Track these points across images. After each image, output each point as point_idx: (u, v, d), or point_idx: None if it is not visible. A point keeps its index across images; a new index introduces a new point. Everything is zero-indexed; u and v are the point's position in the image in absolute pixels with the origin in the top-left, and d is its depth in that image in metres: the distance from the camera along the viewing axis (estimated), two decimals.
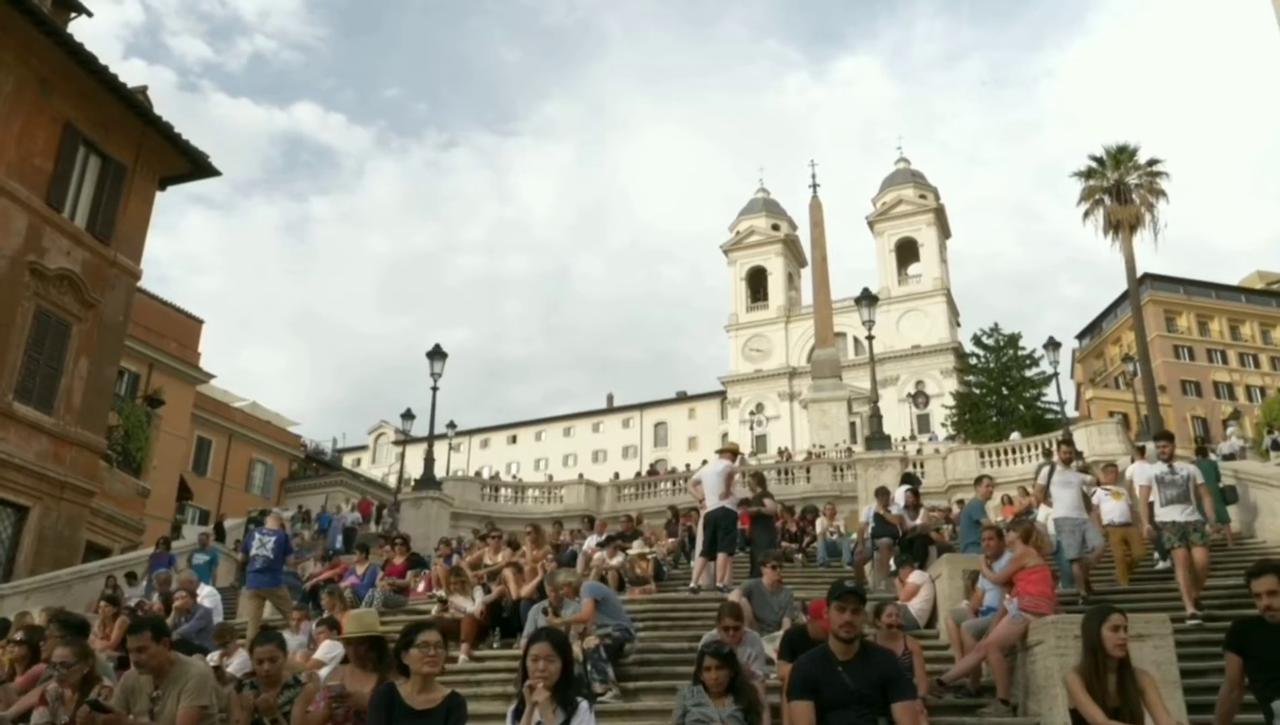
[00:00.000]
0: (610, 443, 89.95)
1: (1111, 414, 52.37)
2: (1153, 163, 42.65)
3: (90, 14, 26.23)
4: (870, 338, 25.55)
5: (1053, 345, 30.01)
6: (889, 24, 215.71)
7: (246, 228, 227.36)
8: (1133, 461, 13.18)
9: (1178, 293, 74.08)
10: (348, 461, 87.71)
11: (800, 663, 4.75)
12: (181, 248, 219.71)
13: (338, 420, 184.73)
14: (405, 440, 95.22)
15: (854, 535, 14.89)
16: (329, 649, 8.35)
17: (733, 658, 5.48)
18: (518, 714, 4.40)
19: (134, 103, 22.84)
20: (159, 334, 38.34)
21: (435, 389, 24.88)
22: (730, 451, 12.27)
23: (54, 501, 20.72)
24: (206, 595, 11.23)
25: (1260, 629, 4.83)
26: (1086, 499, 10.58)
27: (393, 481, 64.74)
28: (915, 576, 9.68)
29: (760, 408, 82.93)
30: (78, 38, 21.29)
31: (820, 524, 16.31)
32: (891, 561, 11.78)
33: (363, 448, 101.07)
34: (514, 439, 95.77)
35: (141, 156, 23.62)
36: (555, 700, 4.23)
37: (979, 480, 12.72)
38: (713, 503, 11.56)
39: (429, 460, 26.72)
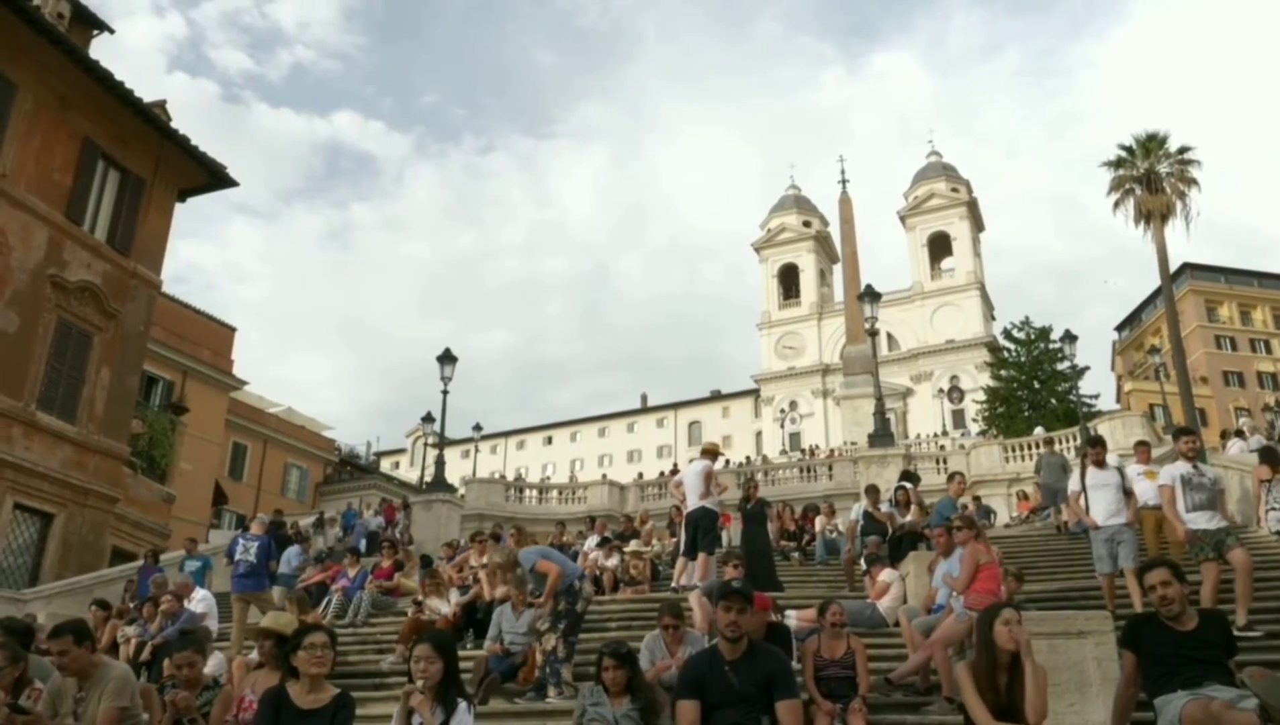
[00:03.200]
0: (645, 442, 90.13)
1: (1151, 406, 51.67)
2: (1184, 151, 41.84)
3: (112, 31, 26.82)
4: (873, 333, 25.43)
5: (1069, 338, 29.65)
6: (925, 17, 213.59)
7: (290, 236, 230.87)
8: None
9: (1219, 282, 72.59)
10: (386, 464, 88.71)
11: (687, 662, 4.82)
12: (227, 257, 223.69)
13: (382, 423, 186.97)
14: (436, 443, 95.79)
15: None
16: None
17: (631, 658, 5.55)
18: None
19: (151, 117, 23.36)
20: (192, 342, 39.01)
21: (445, 393, 25.22)
22: (710, 452, 12.30)
23: (78, 508, 21.26)
24: (200, 600, 11.46)
25: (1152, 626, 4.81)
26: (1128, 494, 9.57)
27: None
28: (885, 575, 9.67)
29: (794, 405, 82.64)
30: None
31: (819, 522, 16.29)
32: (862, 561, 11.75)
33: (401, 451, 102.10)
34: (549, 440, 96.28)
35: (160, 169, 24.15)
36: (437, 700, 4.34)
37: (951, 477, 12.63)
38: (693, 502, 11.62)
39: (439, 463, 27.07)
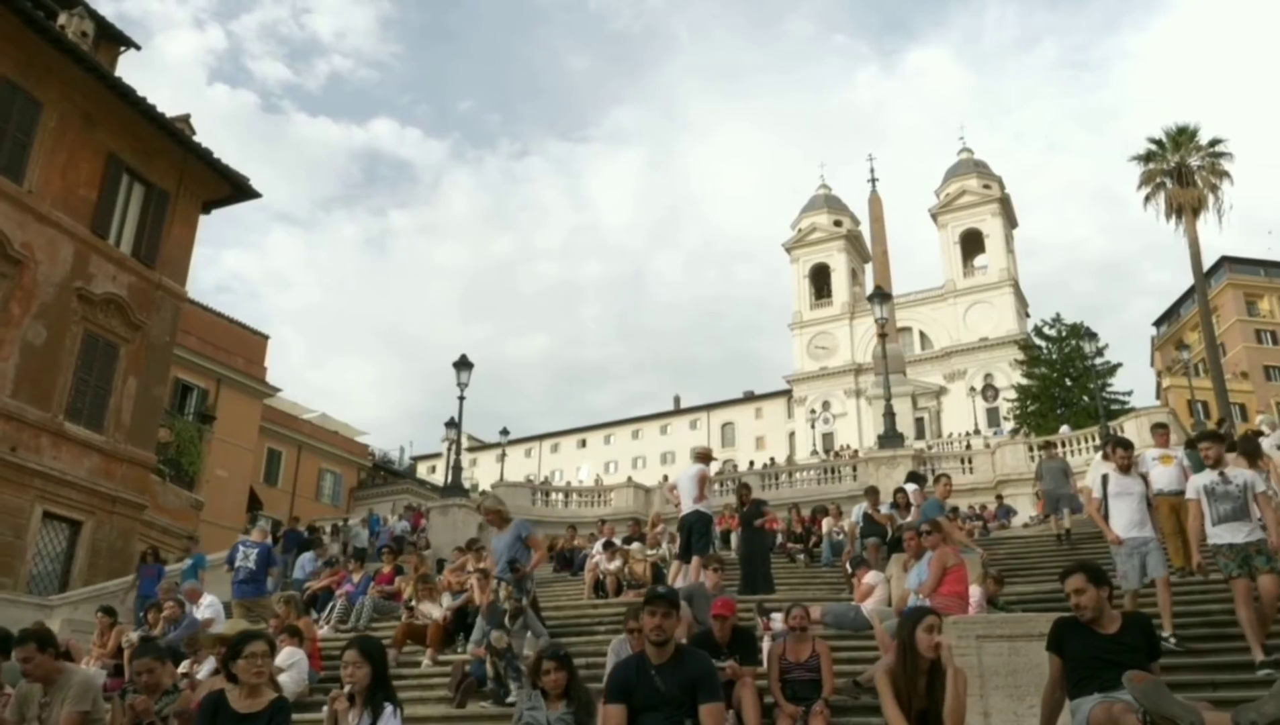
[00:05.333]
0: (678, 444, 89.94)
1: (1189, 402, 50.77)
2: (1214, 143, 41.28)
3: (138, 47, 27.37)
4: (883, 335, 25.41)
5: (1089, 336, 29.33)
6: (960, 11, 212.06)
7: (330, 243, 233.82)
8: (1104, 457, 11.80)
9: (1259, 275, 71.22)
10: (424, 468, 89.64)
11: (615, 667, 4.92)
12: (269, 266, 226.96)
13: (423, 427, 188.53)
14: (468, 448, 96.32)
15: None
16: (288, 655, 8.73)
17: (569, 661, 5.66)
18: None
19: (173, 131, 23.82)
20: (226, 351, 39.66)
21: (462, 398, 25.43)
22: (703, 455, 12.39)
23: (106, 516, 21.72)
24: (207, 605, 11.71)
25: (1075, 629, 4.83)
26: (1152, 505, 8.76)
27: None
28: (870, 577, 9.68)
29: (826, 405, 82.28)
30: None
31: (826, 524, 16.28)
32: (848, 564, 11.76)
33: (437, 455, 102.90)
34: (583, 443, 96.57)
35: (184, 182, 24.61)
36: (365, 704, 4.48)
37: (938, 479, 12.53)
38: (687, 506, 11.70)
39: (455, 468, 27.35)
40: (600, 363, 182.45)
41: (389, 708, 4.54)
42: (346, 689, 4.53)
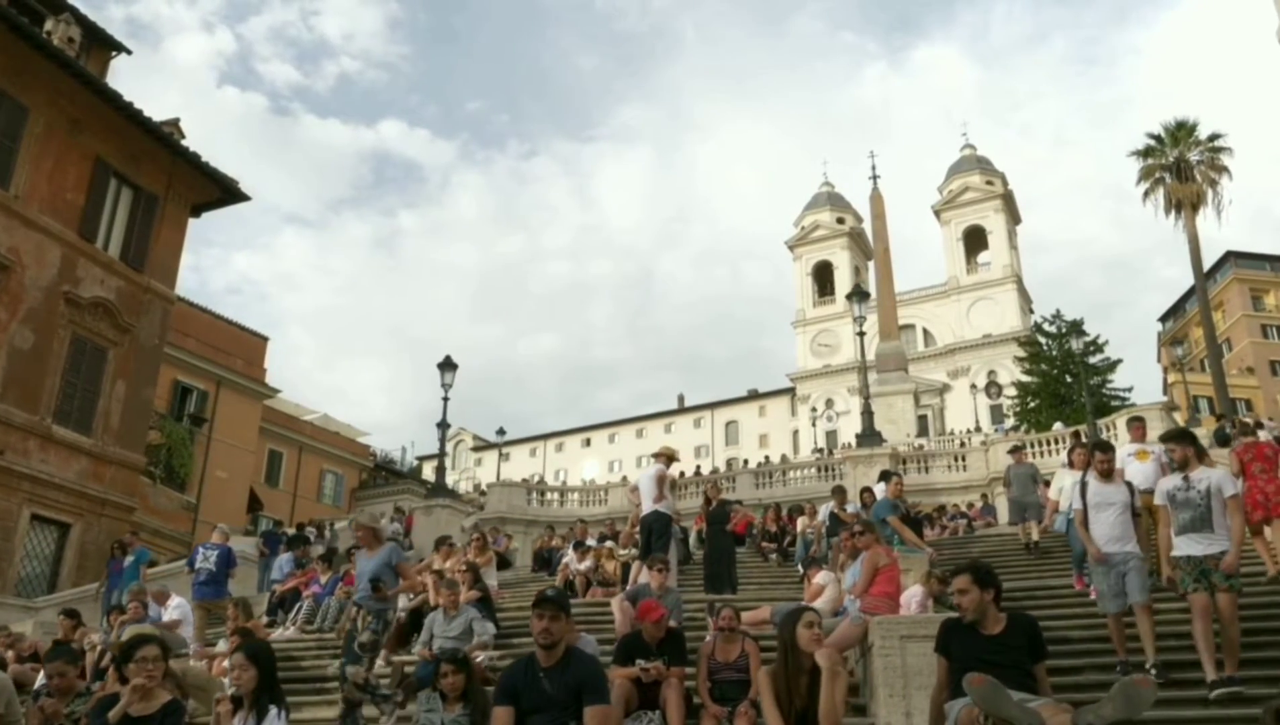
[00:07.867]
0: (682, 443, 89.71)
1: (1195, 398, 50.53)
2: (1214, 138, 41.24)
3: (129, 52, 27.48)
4: (861, 334, 25.35)
5: (1078, 332, 29.23)
6: (968, 7, 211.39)
7: (340, 245, 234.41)
8: (1070, 464, 10.84)
9: (1264, 270, 70.80)
10: (428, 469, 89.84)
11: (505, 671, 4.97)
12: (279, 268, 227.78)
13: (432, 428, 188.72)
14: (484, 447, 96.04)
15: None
16: None
17: (467, 663, 5.71)
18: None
19: (161, 135, 23.97)
20: (226, 352, 39.81)
21: (446, 399, 25.50)
22: (665, 456, 12.43)
23: (95, 518, 21.89)
24: (175, 607, 11.80)
25: (960, 630, 4.84)
26: (1138, 515, 7.88)
27: (463, 487, 66.45)
28: (820, 577, 9.68)
29: (830, 403, 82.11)
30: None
31: (801, 523, 16.24)
32: (799, 564, 11.77)
33: (443, 454, 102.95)
34: (588, 442, 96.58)
35: (173, 186, 24.76)
36: (251, 706, 4.55)
37: (889, 477, 12.45)
38: (647, 506, 11.74)
39: (440, 468, 27.44)
40: (610, 362, 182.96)
41: (273, 710, 4.60)
42: (231, 691, 4.60)
